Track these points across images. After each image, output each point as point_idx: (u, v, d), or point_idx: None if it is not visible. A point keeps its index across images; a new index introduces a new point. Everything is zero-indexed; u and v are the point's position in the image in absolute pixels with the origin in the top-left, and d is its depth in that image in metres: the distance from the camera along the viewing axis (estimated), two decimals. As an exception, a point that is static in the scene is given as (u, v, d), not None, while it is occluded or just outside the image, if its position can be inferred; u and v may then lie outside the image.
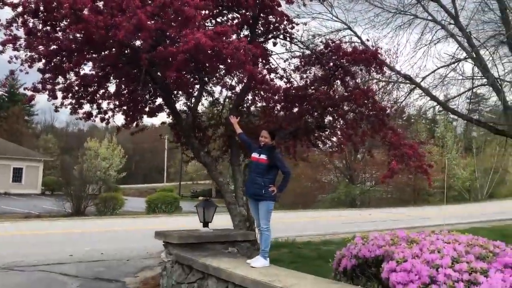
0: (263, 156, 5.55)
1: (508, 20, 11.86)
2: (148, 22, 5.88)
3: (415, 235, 4.67)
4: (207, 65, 6.61)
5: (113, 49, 7.05)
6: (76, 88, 8.14)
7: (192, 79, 8.37)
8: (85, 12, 6.05)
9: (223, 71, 7.37)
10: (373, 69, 9.74)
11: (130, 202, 27.83)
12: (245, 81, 8.22)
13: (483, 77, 14.59)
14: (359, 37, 12.96)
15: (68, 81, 8.01)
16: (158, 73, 7.76)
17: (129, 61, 7.20)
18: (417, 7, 14.43)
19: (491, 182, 41.29)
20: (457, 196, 38.72)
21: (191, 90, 8.59)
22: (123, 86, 8.74)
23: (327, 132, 9.50)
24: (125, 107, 9.13)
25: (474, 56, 13.82)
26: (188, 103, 8.69)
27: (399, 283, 3.75)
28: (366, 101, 9.27)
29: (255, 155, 5.64)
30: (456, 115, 14.18)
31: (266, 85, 7.38)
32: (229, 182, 8.74)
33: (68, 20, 6.45)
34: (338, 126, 9.43)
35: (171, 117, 9.01)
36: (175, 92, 8.51)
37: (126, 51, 7.20)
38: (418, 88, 13.87)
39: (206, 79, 8.62)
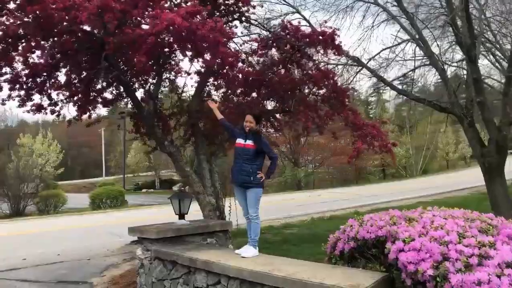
0: (249, 142, 5.32)
1: (451, 2, 12.30)
2: (113, 3, 5.43)
3: (410, 213, 4.67)
4: (176, 47, 6.23)
5: (66, 34, 6.49)
6: (24, 78, 7.48)
7: (154, 64, 7.93)
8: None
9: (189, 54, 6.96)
10: (329, 51, 9.75)
11: (71, 198, 26.50)
12: (206, 65, 7.85)
13: (424, 58, 15.17)
14: (308, 21, 12.95)
15: (15, 71, 7.35)
16: (118, 60, 7.30)
17: (88, 47, 6.66)
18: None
19: (424, 158, 43.52)
20: (395, 173, 40.47)
21: (149, 77, 8.14)
22: (73, 75, 8.17)
23: (289, 116, 9.40)
24: (76, 98, 8.54)
25: (417, 37, 14.29)
26: (150, 91, 8.21)
27: (410, 263, 3.71)
28: (326, 83, 9.28)
29: (240, 141, 5.39)
30: (404, 95, 14.64)
31: (235, 68, 7.12)
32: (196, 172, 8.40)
33: (18, 1, 5.86)
34: (301, 109, 9.36)
35: (129, 106, 8.51)
36: (133, 79, 8.02)
37: (81, 36, 6.66)
38: (366, 69, 14.22)
39: (168, 64, 8.20)
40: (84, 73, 8.09)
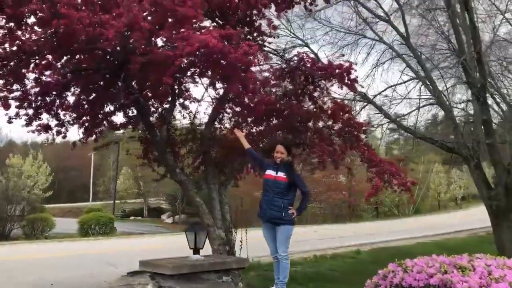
0: (281, 174, 4.97)
1: (462, 43, 12.32)
2: (142, 22, 5.14)
3: (457, 259, 4.31)
4: (198, 71, 5.94)
5: (85, 53, 6.18)
6: (33, 97, 7.14)
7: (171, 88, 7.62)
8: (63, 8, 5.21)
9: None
10: (345, 85, 9.57)
11: (58, 223, 25.67)
12: (228, 91, 7.55)
13: (431, 97, 15.14)
14: (316, 55, 12.88)
15: (25, 88, 7.02)
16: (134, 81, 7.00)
17: (104, 67, 6.34)
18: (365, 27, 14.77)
19: (416, 198, 43.28)
20: (387, 212, 40.12)
21: (165, 101, 7.82)
22: (82, 96, 7.85)
23: (305, 149, 9.11)
24: (83, 119, 8.21)
25: (424, 76, 14.28)
26: (163, 115, 7.87)
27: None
28: (343, 117, 9.06)
29: (270, 172, 5.04)
30: (409, 133, 14.50)
31: (256, 95, 6.84)
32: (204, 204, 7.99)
33: (40, 15, 5.56)
34: (316, 142, 9.07)
35: (140, 131, 8.15)
36: (149, 103, 7.69)
37: (100, 55, 6.35)
38: (372, 105, 14.11)
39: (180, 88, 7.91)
40: (94, 94, 7.80)
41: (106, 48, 5.72)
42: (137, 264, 5.90)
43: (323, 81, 9.46)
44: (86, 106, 7.97)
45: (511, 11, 14.20)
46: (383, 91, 14.57)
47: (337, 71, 8.90)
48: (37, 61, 6.58)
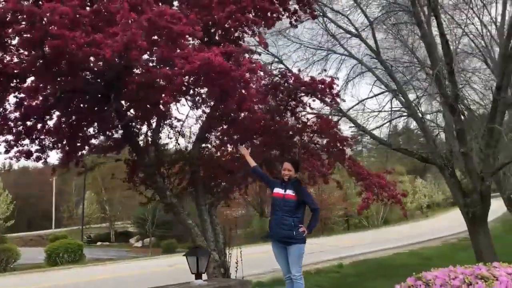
0: (289, 192, 4.86)
1: (435, 56, 12.69)
2: (139, 40, 4.96)
3: (476, 269, 4.28)
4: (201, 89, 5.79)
5: (75, 75, 5.92)
6: (13, 122, 6.78)
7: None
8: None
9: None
10: (327, 99, 9.63)
11: (22, 253, 24.44)
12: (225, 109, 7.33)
13: (402, 109, 15.53)
14: (291, 71, 12.95)
15: (3, 114, 6.66)
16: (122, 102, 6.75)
17: (95, 88, 6.09)
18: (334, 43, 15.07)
19: (385, 208, 43.96)
20: (358, 224, 40.53)
21: (152, 121, 7.58)
22: (63, 119, 7.54)
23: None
24: (63, 143, 7.85)
25: (396, 89, 14.62)
26: (151, 136, 7.62)
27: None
28: (330, 131, 9.07)
29: (279, 190, 4.92)
30: (384, 145, 14.74)
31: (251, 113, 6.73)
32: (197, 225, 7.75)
33: (26, 36, 5.29)
34: (305, 157, 9.03)
35: (127, 153, 7.87)
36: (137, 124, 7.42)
37: (89, 76, 6.11)
38: (347, 119, 14.31)
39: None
40: (74, 117, 7.50)
41: (100, 68, 5.49)
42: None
43: (305, 97, 9.50)
44: (67, 129, 7.65)
45: (470, 24, 14.87)
46: (356, 104, 14.85)
47: (320, 86, 8.96)
48: (18, 84, 6.28)
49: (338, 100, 10.11)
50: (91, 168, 8.36)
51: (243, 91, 5.29)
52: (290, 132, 8.87)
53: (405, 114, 15.12)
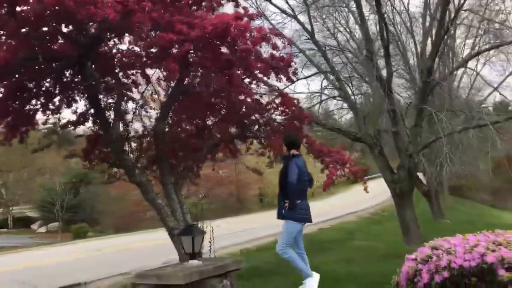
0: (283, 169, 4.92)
1: (370, 37, 13.23)
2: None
3: (492, 236, 4.53)
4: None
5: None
6: None
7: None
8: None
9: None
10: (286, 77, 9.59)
11: None
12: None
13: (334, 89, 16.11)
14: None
15: None
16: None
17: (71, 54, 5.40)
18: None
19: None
20: (271, 202, 41.56)
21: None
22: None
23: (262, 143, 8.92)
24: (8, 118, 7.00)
25: (330, 71, 15.09)
26: (119, 110, 6.99)
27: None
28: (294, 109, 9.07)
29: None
30: (320, 125, 15.17)
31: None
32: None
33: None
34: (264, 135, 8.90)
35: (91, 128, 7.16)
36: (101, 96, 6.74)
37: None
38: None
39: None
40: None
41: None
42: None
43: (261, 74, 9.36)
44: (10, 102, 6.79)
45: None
46: (289, 85, 15.04)
47: (281, 63, 8.87)
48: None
49: (293, 78, 10.17)
50: (47, 146, 7.48)
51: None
52: (252, 109, 8.70)
53: (336, 95, 15.71)
